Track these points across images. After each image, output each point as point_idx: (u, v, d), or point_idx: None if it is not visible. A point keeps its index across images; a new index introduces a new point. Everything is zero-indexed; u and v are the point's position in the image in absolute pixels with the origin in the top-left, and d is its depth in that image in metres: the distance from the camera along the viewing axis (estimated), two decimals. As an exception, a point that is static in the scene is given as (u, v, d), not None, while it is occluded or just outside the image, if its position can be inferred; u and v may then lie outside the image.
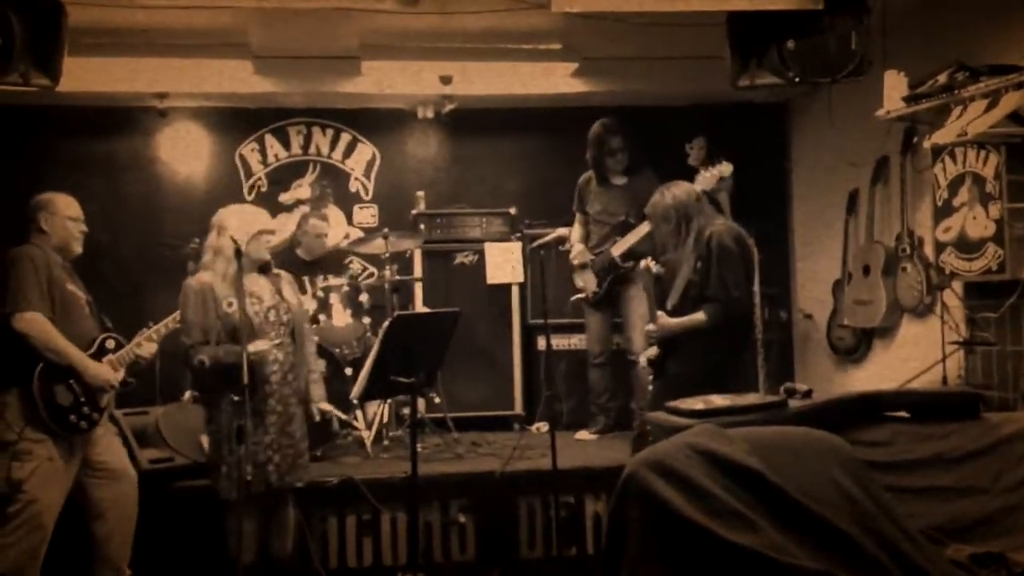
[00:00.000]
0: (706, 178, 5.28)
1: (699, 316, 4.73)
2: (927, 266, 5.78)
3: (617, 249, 6.15)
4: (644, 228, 5.92)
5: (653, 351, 4.96)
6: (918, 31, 5.66)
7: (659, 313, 4.87)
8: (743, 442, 3.12)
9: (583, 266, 6.35)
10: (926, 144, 5.45)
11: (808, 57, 4.92)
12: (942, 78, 5.08)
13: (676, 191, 4.96)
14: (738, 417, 3.69)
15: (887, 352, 6.38)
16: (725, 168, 5.37)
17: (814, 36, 4.88)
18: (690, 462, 2.99)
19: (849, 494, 3.07)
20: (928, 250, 5.78)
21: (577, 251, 6.37)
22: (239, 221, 4.53)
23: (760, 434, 3.27)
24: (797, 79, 4.97)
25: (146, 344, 4.67)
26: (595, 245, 6.35)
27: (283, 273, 4.77)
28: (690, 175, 5.41)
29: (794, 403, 3.98)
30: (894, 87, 5.37)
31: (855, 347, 6.65)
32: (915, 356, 5.82)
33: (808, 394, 4.11)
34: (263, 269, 4.61)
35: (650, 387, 5.04)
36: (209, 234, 4.56)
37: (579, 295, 6.42)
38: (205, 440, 4.92)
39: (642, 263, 5.13)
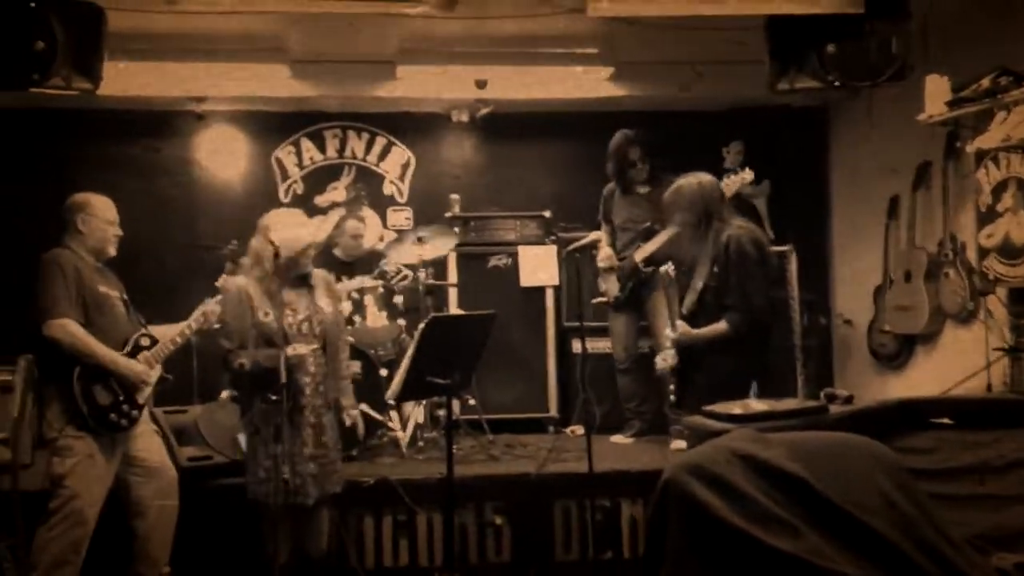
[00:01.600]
0: (727, 185, 5.23)
1: (721, 326, 4.61)
2: (970, 272, 5.71)
3: (639, 255, 6.12)
4: (666, 234, 5.88)
5: (670, 358, 4.86)
6: (960, 35, 5.60)
7: (679, 322, 4.76)
8: (784, 447, 3.08)
9: (609, 270, 6.33)
10: (969, 149, 5.39)
11: (848, 61, 4.89)
12: (985, 82, 5.03)
13: (702, 179, 4.80)
14: (777, 422, 3.66)
15: (929, 358, 6.31)
16: (747, 175, 5.33)
17: (854, 40, 4.85)
18: (730, 466, 2.96)
19: (892, 500, 3.02)
20: (971, 255, 5.71)
21: (605, 255, 6.35)
22: (285, 233, 4.51)
23: (802, 439, 3.24)
24: (837, 83, 4.94)
25: (202, 319, 4.68)
26: (620, 251, 6.33)
27: (321, 278, 4.74)
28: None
29: (835, 409, 3.95)
30: (936, 91, 5.32)
31: (896, 353, 6.58)
32: (958, 363, 5.75)
33: (849, 400, 4.07)
34: (301, 279, 4.62)
35: (671, 395, 4.97)
36: (255, 236, 4.55)
37: (600, 298, 6.39)
38: (242, 439, 4.96)
39: (662, 269, 5.08)
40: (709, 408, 3.95)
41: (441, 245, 6.46)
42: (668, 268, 4.96)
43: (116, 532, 4.57)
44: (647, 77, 7.01)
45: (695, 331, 4.70)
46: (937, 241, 6.02)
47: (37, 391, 4.38)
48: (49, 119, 6.87)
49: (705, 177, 4.84)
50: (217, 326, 4.63)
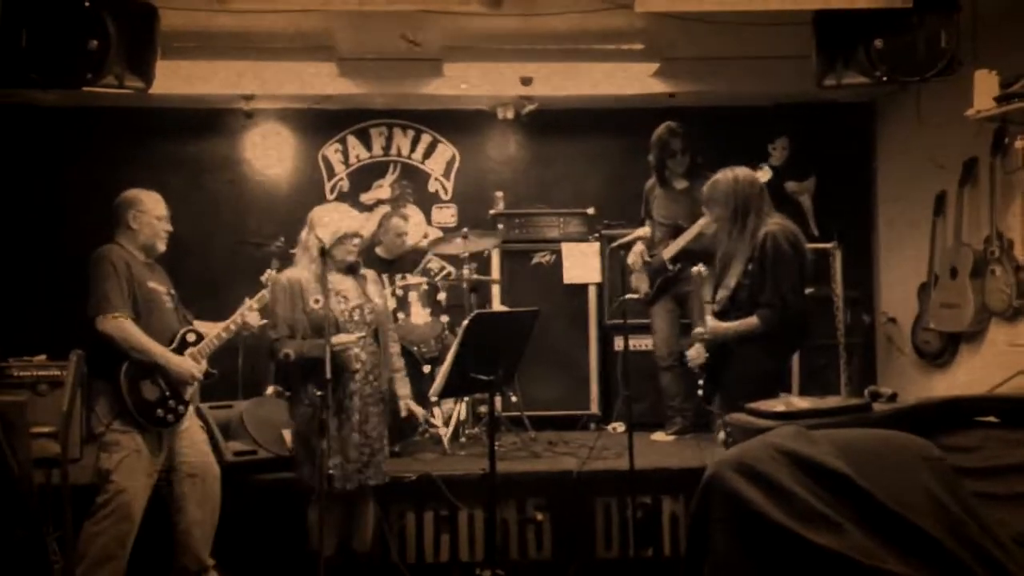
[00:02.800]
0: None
1: (753, 321, 4.60)
2: (1017, 269, 5.64)
3: (668, 252, 6.11)
4: (693, 231, 5.88)
5: (700, 355, 4.85)
6: (1009, 29, 5.52)
7: (708, 317, 4.75)
8: (828, 444, 3.06)
9: (639, 268, 6.33)
10: (1017, 145, 5.33)
11: (896, 56, 4.85)
12: (1034, 77, 4.97)
13: (740, 174, 4.76)
14: (821, 420, 3.64)
15: (974, 356, 6.24)
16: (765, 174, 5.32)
17: (902, 35, 4.81)
18: (774, 463, 2.94)
19: (937, 499, 2.99)
20: (1018, 253, 5.65)
21: (635, 251, 6.35)
22: (328, 221, 4.61)
23: (846, 436, 3.21)
24: (885, 78, 4.90)
25: (248, 314, 4.73)
26: (653, 248, 6.32)
27: (369, 272, 4.84)
28: (773, 176, 5.36)
29: (879, 406, 3.91)
30: (984, 86, 5.26)
31: (941, 351, 6.52)
32: (1004, 361, 5.68)
33: (893, 398, 4.03)
34: (350, 270, 4.68)
35: (699, 391, 4.96)
36: (303, 230, 4.64)
37: (631, 295, 6.39)
38: (287, 434, 5.02)
39: (694, 270, 5.07)
40: (752, 405, 3.93)
41: (485, 242, 6.49)
42: (700, 268, 4.95)
43: (161, 526, 4.64)
44: (692, 73, 6.98)
45: (725, 325, 4.70)
46: (984, 238, 5.95)
47: (85, 386, 4.44)
48: (100, 117, 6.98)
49: (741, 171, 4.80)
50: (262, 321, 4.69)
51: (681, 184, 6.28)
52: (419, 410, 4.88)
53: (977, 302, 5.94)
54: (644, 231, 6.45)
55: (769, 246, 4.59)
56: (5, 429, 3.90)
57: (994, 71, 5.24)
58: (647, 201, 6.45)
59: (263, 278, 4.75)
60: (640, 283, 6.35)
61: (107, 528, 4.37)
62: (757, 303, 4.61)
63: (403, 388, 4.82)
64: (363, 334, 4.55)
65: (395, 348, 4.91)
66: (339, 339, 4.40)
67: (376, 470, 4.64)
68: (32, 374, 4.85)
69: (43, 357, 5.10)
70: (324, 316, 4.35)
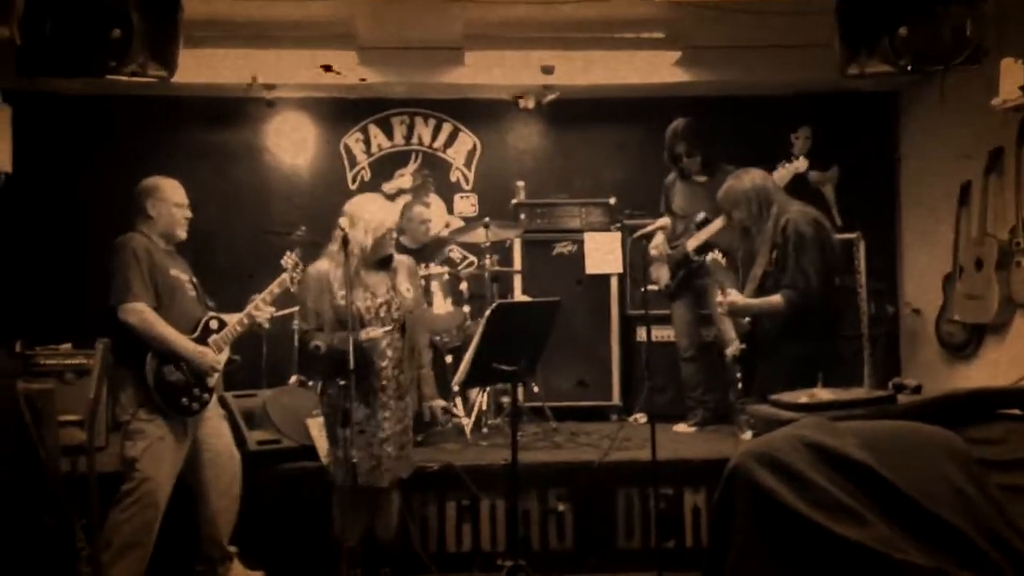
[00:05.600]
0: (780, 175, 5.21)
1: (775, 299, 4.65)
2: (1043, 260, 5.60)
3: (691, 243, 6.09)
4: (718, 223, 5.85)
5: (737, 345, 4.88)
6: (1036, 18, 5.48)
7: (730, 290, 4.78)
8: (852, 435, 3.05)
9: (659, 259, 6.31)
10: (1044, 134, 5.28)
11: (921, 45, 4.80)
12: (1062, 66, 4.92)
13: (753, 175, 4.87)
14: (844, 411, 3.63)
15: (999, 348, 6.20)
16: (800, 164, 5.30)
17: (927, 23, 4.77)
18: (798, 454, 2.93)
19: (962, 491, 2.98)
20: (1044, 243, 5.61)
21: (656, 243, 6.33)
22: (371, 218, 4.58)
23: (871, 428, 3.20)
24: (909, 67, 4.86)
25: (263, 308, 4.74)
26: (674, 240, 6.30)
27: (402, 261, 4.79)
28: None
29: (903, 398, 3.90)
30: (1010, 75, 5.23)
31: (965, 343, 6.48)
32: (1029, 353, 5.66)
33: (917, 389, 4.02)
34: (382, 264, 4.67)
35: (739, 382, 4.98)
36: (343, 221, 4.57)
37: (652, 286, 6.37)
38: (310, 424, 5.04)
39: (709, 256, 5.07)
40: (776, 397, 3.92)
41: (507, 232, 6.48)
42: (716, 255, 4.96)
43: (186, 514, 4.67)
44: (714, 62, 6.95)
45: (745, 300, 4.73)
46: (1009, 228, 5.91)
47: (111, 374, 4.47)
48: (123, 106, 7.00)
49: (757, 172, 4.89)
50: (277, 314, 4.70)
51: (700, 177, 6.26)
52: (439, 406, 4.85)
53: (1002, 294, 5.90)
54: (665, 221, 6.42)
55: (791, 231, 4.65)
56: (34, 417, 3.96)
57: (1020, 60, 5.19)
58: (667, 194, 6.43)
59: (283, 261, 4.74)
60: (660, 274, 6.33)
61: (133, 516, 4.39)
62: (781, 287, 4.65)
63: (427, 386, 4.78)
64: (389, 328, 4.55)
65: (424, 341, 4.87)
66: (367, 333, 4.40)
67: (403, 463, 4.64)
68: (58, 363, 4.91)
69: (68, 346, 5.16)
70: (350, 311, 4.35)
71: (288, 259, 4.77)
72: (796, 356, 4.65)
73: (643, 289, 6.32)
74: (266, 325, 4.80)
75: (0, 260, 6.70)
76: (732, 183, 4.89)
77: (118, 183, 5.02)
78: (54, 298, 6.97)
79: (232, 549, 4.77)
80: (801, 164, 5.31)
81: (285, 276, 4.74)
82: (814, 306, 4.64)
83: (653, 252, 6.34)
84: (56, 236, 7.19)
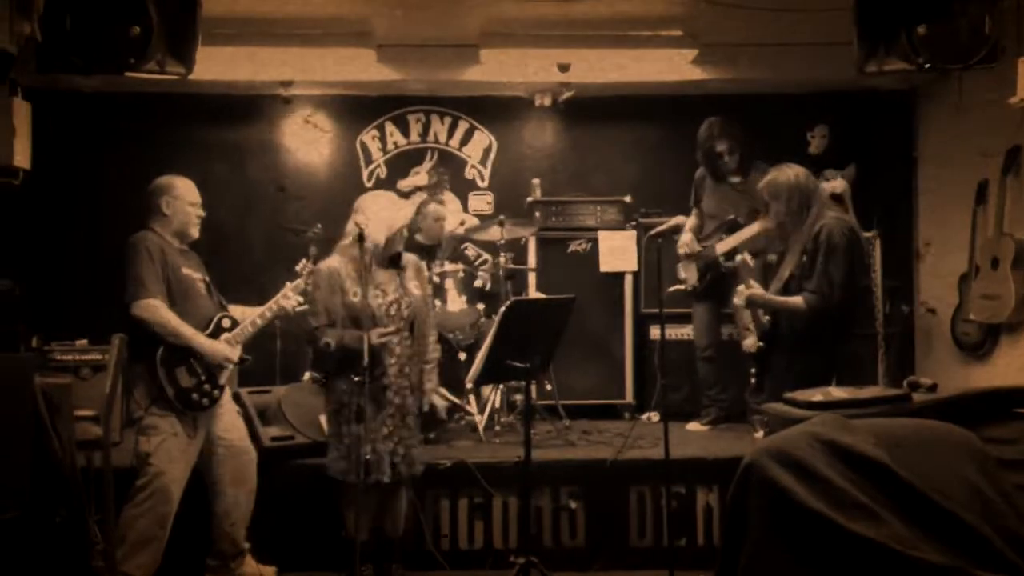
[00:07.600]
0: (824, 187, 5.21)
1: (797, 300, 4.67)
2: (1060, 260, 5.57)
3: (722, 247, 6.07)
4: (752, 229, 5.83)
5: (755, 342, 4.88)
6: (1055, 15, 5.44)
7: (751, 281, 4.79)
8: (867, 433, 3.05)
9: (689, 257, 6.29)
10: (1062, 134, 5.25)
11: (939, 42, 4.78)
12: (1079, 65, 4.89)
13: (797, 170, 4.85)
14: (858, 410, 3.62)
15: (1015, 348, 6.17)
16: (839, 184, 5.27)
17: (945, 21, 4.75)
18: (812, 452, 2.94)
19: (978, 490, 2.98)
20: (1062, 243, 5.58)
21: (685, 240, 6.30)
22: (385, 215, 4.59)
23: (886, 426, 3.20)
24: (927, 65, 4.83)
25: (291, 296, 4.74)
26: (703, 239, 6.28)
27: (411, 259, 4.80)
28: (811, 164, 5.32)
29: (918, 397, 3.88)
30: (1029, 74, 5.17)
31: (981, 343, 6.45)
32: (1046, 353, 5.63)
33: (933, 388, 4.00)
34: (392, 262, 4.68)
35: (752, 379, 4.98)
36: (352, 217, 4.61)
37: (678, 286, 6.35)
38: (324, 420, 5.05)
39: (737, 257, 5.06)
40: (789, 395, 3.92)
41: (521, 230, 6.48)
42: (745, 256, 4.95)
43: (200, 509, 4.69)
44: (731, 59, 6.93)
45: (763, 293, 4.76)
46: (1027, 228, 5.89)
47: (126, 370, 4.49)
48: (141, 103, 7.04)
49: (800, 169, 4.87)
50: (300, 308, 4.71)
51: (734, 178, 6.22)
52: (441, 404, 4.86)
53: (1018, 293, 5.88)
54: (680, 219, 6.40)
55: (823, 238, 4.66)
56: (50, 412, 3.98)
57: (1039, 59, 5.16)
58: (697, 190, 6.40)
59: (298, 268, 4.75)
60: (689, 274, 6.31)
61: (147, 511, 4.41)
62: (804, 289, 4.66)
63: (429, 380, 4.78)
64: (401, 327, 4.56)
65: (432, 337, 4.88)
66: (378, 332, 4.41)
67: (408, 460, 4.63)
68: (74, 358, 4.91)
69: (84, 341, 5.17)
70: (362, 309, 4.35)
71: (303, 266, 4.77)
72: (811, 360, 4.65)
73: (668, 289, 6.30)
74: (291, 313, 4.79)
75: (18, 256, 6.73)
76: (775, 174, 4.87)
77: (135, 180, 5.03)
78: (71, 294, 7.02)
79: (246, 545, 4.79)
80: (839, 185, 5.30)
81: (300, 282, 4.73)
82: (834, 314, 4.65)
83: (682, 250, 6.31)
84: (74, 232, 7.23)
